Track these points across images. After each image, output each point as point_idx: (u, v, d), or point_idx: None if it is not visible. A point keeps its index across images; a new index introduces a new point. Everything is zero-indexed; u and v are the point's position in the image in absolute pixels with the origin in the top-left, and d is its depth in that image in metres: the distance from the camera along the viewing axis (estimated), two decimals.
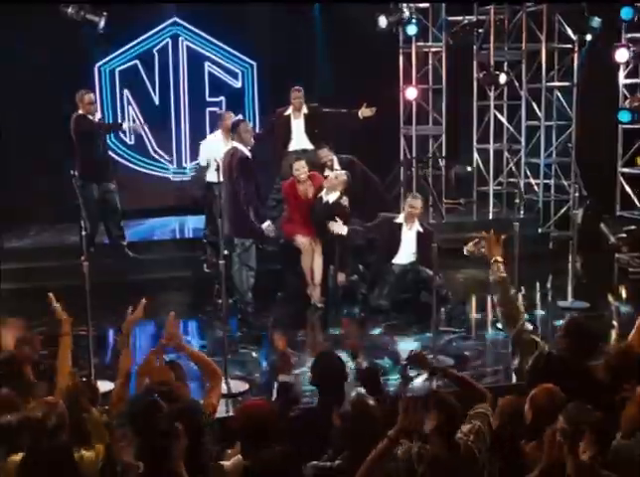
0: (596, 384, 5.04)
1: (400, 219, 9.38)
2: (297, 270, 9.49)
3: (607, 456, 4.08)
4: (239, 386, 7.04)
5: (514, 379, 7.06)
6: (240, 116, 9.66)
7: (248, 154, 8.52)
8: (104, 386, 6.73)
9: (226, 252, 8.41)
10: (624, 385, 5.05)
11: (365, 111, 10.62)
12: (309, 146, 10.63)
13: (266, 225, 8.66)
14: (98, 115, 10.54)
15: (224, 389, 6.80)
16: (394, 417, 4.17)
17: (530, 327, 5.14)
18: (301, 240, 9.41)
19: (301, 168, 9.45)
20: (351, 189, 9.73)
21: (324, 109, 10.80)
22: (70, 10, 10.24)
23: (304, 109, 10.61)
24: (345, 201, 9.40)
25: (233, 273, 8.61)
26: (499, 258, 5.27)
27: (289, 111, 10.66)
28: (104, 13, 10.56)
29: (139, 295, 9.47)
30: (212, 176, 9.79)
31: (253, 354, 7.95)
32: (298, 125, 10.61)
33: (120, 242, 10.51)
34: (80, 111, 10.07)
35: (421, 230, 9.39)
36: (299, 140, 10.62)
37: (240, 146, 8.50)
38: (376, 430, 4.25)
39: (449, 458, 4.20)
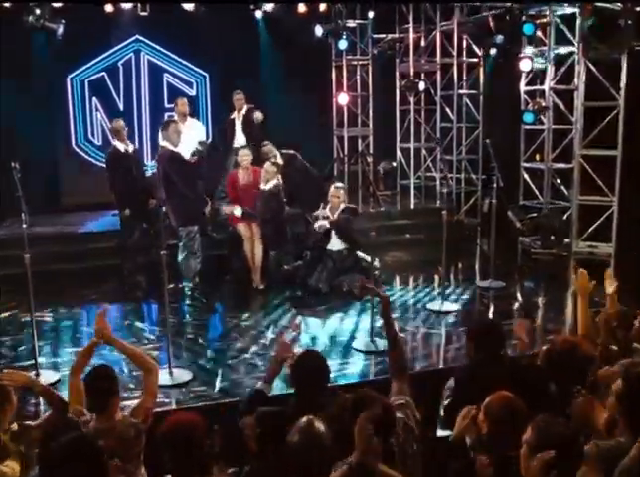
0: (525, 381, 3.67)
1: (327, 211, 7.92)
2: (242, 256, 7.92)
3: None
4: (182, 374, 5.45)
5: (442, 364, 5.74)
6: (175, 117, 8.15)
7: (175, 150, 7.13)
8: (49, 376, 5.28)
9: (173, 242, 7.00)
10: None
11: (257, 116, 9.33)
12: (244, 142, 9.22)
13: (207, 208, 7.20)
14: (131, 147, 8.33)
15: (166, 379, 5.31)
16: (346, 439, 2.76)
17: None
18: (242, 227, 7.91)
19: (245, 155, 7.99)
20: (291, 179, 8.47)
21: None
22: (29, 18, 8.46)
23: (244, 111, 9.14)
24: (280, 186, 7.98)
25: (179, 262, 7.06)
26: None
27: (234, 115, 9.23)
28: (62, 21, 8.86)
29: (96, 281, 8.28)
30: None
31: (199, 340, 6.33)
32: (239, 125, 9.19)
33: None
34: (115, 141, 8.16)
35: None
36: (239, 138, 9.20)
37: (169, 145, 6.97)
38: (326, 461, 2.81)
39: None
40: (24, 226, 5.51)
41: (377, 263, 6.85)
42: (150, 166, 11.06)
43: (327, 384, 3.71)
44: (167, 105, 11.51)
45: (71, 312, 7.17)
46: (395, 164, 11.76)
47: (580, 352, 3.76)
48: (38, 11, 8.72)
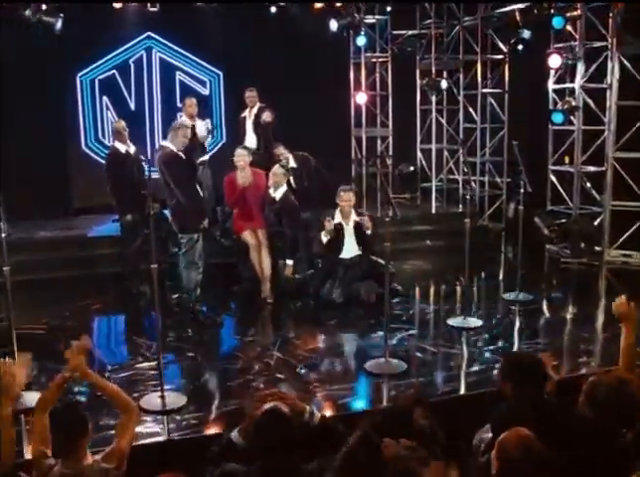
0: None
1: (338, 217, 7.21)
2: (249, 265, 7.33)
3: None
4: (176, 399, 4.88)
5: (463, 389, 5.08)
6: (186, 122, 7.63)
7: (177, 152, 6.47)
8: (31, 398, 4.72)
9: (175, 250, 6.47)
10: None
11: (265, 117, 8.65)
12: (255, 143, 8.66)
13: (205, 222, 6.56)
14: (132, 148, 7.79)
15: (158, 404, 4.75)
16: None
17: None
18: (247, 235, 7.33)
19: (240, 156, 7.34)
20: (304, 181, 7.96)
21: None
22: (27, 12, 7.94)
23: (255, 109, 8.56)
24: (290, 194, 7.37)
25: (179, 271, 6.50)
26: None
27: (245, 113, 8.66)
28: (61, 15, 8.33)
29: (98, 290, 7.78)
30: None
31: (199, 358, 5.74)
32: (250, 124, 8.63)
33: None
34: (115, 142, 7.61)
35: (357, 219, 7.26)
36: (250, 138, 8.63)
37: (171, 145, 6.41)
38: None
39: None
40: (3, 235, 4.95)
41: (392, 268, 6.16)
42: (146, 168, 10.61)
43: (294, 450, 3.07)
44: (179, 105, 10.97)
45: (66, 324, 6.62)
46: (412, 168, 11.10)
47: (631, 390, 3.14)
48: (44, 6, 8.21)
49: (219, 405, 4.82)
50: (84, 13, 9.50)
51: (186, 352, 5.85)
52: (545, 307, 7.10)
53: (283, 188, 7.27)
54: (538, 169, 9.38)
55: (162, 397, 4.84)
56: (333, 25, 9.88)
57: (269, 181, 7.26)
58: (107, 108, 10.95)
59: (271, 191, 7.26)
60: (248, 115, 8.73)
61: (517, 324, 6.50)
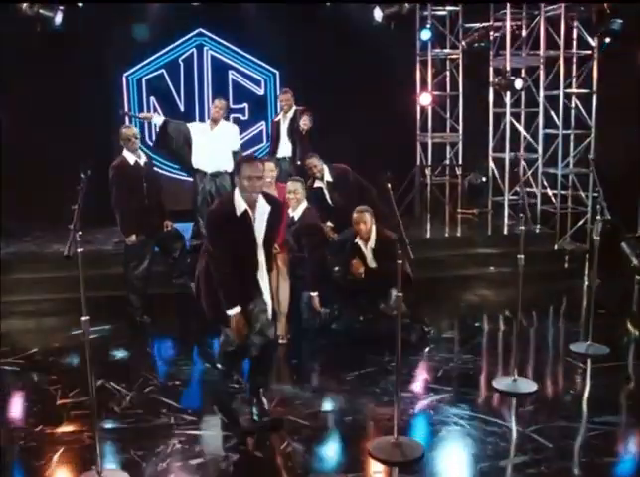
0: None
1: (362, 245, 5.96)
2: None
3: None
4: None
5: None
6: None
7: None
8: None
9: None
10: None
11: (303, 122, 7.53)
12: (289, 152, 7.49)
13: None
14: (143, 159, 6.63)
15: None
16: None
17: None
18: None
19: (268, 171, 6.10)
20: (341, 198, 6.72)
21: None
22: (24, 6, 7.09)
23: (290, 113, 7.36)
24: (313, 209, 6.16)
25: None
26: None
27: (279, 117, 7.49)
28: (60, 7, 7.43)
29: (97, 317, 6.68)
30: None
31: (172, 418, 4.52)
32: (284, 130, 7.42)
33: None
34: (125, 152, 6.50)
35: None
36: (284, 146, 7.42)
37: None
38: None
39: None
40: None
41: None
42: None
43: None
44: (232, 106, 10.12)
45: (47, 360, 5.64)
46: (484, 178, 9.58)
47: None
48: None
49: None
50: (130, 10, 8.94)
51: (160, 408, 4.68)
52: (629, 365, 5.45)
53: (303, 205, 6.03)
54: (629, 185, 7.77)
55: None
56: (377, 14, 8.53)
57: (288, 201, 6.01)
58: (155, 109, 10.22)
59: (290, 210, 6.02)
60: (283, 120, 7.52)
61: (586, 391, 4.96)
